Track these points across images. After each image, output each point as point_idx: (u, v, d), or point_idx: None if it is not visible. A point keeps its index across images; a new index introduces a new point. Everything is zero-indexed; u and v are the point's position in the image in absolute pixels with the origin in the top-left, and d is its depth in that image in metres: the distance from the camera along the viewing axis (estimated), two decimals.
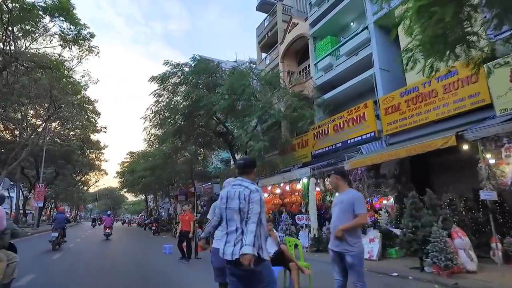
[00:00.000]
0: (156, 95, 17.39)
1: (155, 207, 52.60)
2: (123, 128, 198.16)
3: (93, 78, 20.38)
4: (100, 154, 45.25)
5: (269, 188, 12.09)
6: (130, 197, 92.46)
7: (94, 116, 29.21)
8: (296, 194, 12.02)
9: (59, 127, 27.85)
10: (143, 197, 68.57)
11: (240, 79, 14.16)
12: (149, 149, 25.49)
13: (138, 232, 30.35)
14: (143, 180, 27.80)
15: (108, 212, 21.68)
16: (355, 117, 12.44)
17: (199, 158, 25.14)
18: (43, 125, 20.23)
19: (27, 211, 46.16)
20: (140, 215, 65.34)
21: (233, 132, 16.74)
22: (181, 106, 16.89)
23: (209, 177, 31.05)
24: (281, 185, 11.37)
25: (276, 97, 13.68)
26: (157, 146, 23.46)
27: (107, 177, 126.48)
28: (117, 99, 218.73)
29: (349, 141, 12.62)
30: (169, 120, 17.77)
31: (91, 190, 71.07)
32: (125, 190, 45.29)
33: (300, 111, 12.42)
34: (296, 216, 10.59)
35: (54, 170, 28.50)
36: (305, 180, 9.99)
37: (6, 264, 3.99)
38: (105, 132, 29.90)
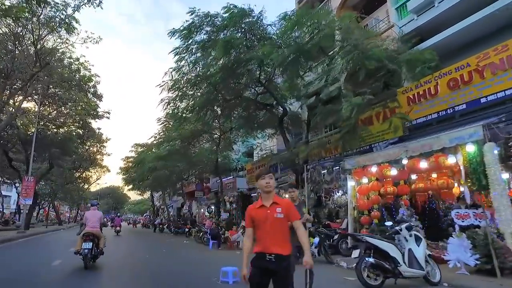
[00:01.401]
0: (178, 55, 13.10)
1: (163, 206, 48.28)
2: (125, 130, 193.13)
3: (93, 35, 15.99)
4: (102, 147, 41.22)
5: (374, 169, 7.71)
6: (133, 196, 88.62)
7: (95, 99, 25.04)
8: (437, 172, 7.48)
9: (54, 111, 23.58)
10: (146, 196, 64.59)
11: (307, 19, 9.94)
12: (162, 134, 20.94)
13: (149, 234, 26.03)
14: (153, 173, 23.50)
15: (118, 214, 22.25)
16: (497, 62, 8.12)
17: (220, 147, 20.79)
18: (26, 89, 15.72)
19: (22, 210, 42.12)
20: (145, 215, 61.08)
21: (283, 97, 12.55)
22: (216, 67, 12.62)
23: (229, 169, 26.72)
24: (404, 161, 6.98)
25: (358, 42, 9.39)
26: (173, 131, 19.03)
27: (109, 175, 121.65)
28: (118, 100, 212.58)
29: (485, 99, 8.32)
30: (198, 86, 13.53)
31: (92, 188, 67.10)
32: (130, 187, 40.75)
33: (413, 54, 8.21)
34: (453, 212, 6.26)
35: (48, 161, 23.94)
36: (469, 147, 5.65)
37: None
38: (108, 118, 25.56)
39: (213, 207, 23.82)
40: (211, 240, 12.00)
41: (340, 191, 10.97)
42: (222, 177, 27.24)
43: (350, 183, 8.12)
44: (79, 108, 23.10)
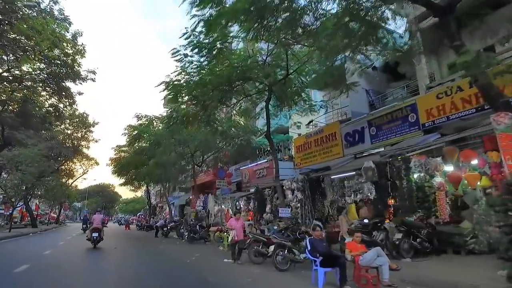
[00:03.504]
0: None
1: (161, 204, 41.18)
2: (119, 117, 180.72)
3: None
4: (88, 132, 34.00)
5: None
6: (125, 195, 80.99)
7: (76, 57, 18.04)
8: None
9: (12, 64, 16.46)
10: (140, 193, 57.12)
11: None
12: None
13: (151, 240, 18.99)
14: (157, 150, 16.57)
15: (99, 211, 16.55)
16: None
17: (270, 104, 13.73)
18: None
19: None
20: (138, 214, 53.59)
21: None
22: None
23: (257, 151, 19.89)
24: None
25: None
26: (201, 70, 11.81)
27: (98, 170, 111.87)
28: (112, 99, 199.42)
29: None
30: None
31: (80, 186, 59.50)
32: (122, 181, 32.85)
33: None
34: None
35: (1, 133, 16.37)
36: None
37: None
38: (93, 80, 18.45)
39: (242, 202, 16.97)
40: (320, 267, 5.15)
41: None
42: (250, 161, 20.51)
43: None
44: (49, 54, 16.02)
